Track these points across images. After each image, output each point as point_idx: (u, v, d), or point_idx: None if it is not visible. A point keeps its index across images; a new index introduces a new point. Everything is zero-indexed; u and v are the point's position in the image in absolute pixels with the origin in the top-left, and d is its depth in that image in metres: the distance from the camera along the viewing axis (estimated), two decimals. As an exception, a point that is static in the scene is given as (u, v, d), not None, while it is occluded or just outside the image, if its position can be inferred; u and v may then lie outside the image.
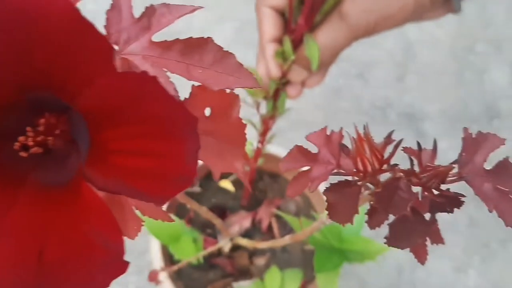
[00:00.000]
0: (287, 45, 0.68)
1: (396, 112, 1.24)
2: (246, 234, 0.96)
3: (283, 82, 0.74)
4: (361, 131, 0.35)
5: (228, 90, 0.34)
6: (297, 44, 0.69)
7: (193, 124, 0.20)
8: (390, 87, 1.27)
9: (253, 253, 0.95)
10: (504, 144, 0.36)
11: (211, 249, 0.74)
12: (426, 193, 0.33)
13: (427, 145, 0.39)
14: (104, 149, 0.22)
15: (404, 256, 1.17)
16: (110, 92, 0.21)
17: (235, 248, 0.93)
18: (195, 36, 0.34)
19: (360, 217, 0.40)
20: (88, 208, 0.22)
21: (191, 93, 0.37)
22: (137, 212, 0.35)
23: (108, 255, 0.21)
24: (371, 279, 1.14)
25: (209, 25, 1.23)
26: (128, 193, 0.21)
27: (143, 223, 0.36)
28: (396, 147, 0.33)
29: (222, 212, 0.96)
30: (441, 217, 0.38)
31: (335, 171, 0.35)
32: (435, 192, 0.33)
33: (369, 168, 0.34)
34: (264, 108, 0.81)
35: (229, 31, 1.31)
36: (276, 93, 0.76)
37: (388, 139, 0.34)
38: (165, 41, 0.29)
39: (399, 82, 1.27)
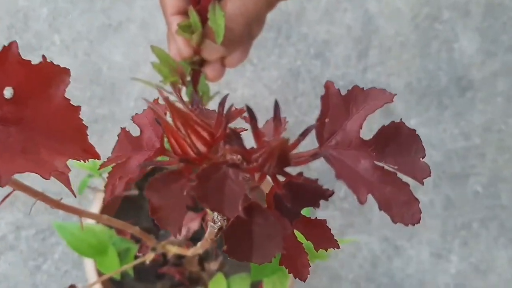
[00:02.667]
0: (193, 16, 0.58)
1: (359, 91, 1.15)
2: (196, 236, 0.87)
3: (199, 62, 0.64)
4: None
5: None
6: (205, 15, 0.59)
7: None
8: (352, 64, 1.18)
9: (204, 258, 0.86)
10: (392, 101, 0.27)
11: (137, 261, 0.65)
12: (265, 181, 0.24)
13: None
14: None
15: (379, 246, 1.08)
16: None
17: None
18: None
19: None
20: None
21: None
22: None
23: None
24: (345, 272, 1.06)
25: (151, 14, 1.14)
26: None
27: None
28: (226, 119, 0.24)
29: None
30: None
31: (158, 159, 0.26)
32: (282, 179, 0.23)
33: (191, 152, 0.24)
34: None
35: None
36: (195, 76, 0.67)
37: (221, 110, 0.25)
38: None
39: (361, 58, 1.18)
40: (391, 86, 1.15)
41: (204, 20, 0.58)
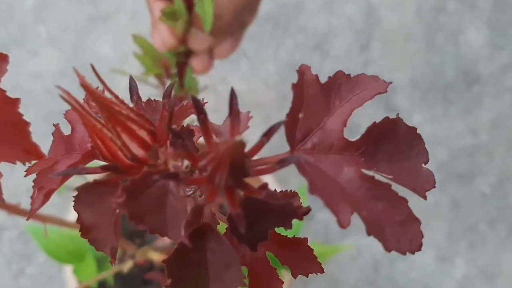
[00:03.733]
0: (178, 2, 0.53)
1: (361, 86, 1.09)
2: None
3: (185, 53, 0.59)
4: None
5: None
6: (191, 1, 0.54)
7: None
8: (352, 58, 1.12)
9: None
10: (386, 91, 0.21)
11: (115, 269, 0.60)
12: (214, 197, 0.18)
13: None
14: None
15: (381, 249, 1.02)
16: None
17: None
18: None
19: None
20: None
21: None
22: None
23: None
24: (344, 277, 1.00)
25: (141, 3, 1.08)
26: None
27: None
28: (170, 114, 0.19)
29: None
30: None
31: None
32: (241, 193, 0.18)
33: (123, 157, 0.19)
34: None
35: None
36: (181, 68, 0.62)
37: (165, 103, 0.20)
38: None
39: (363, 51, 1.12)
40: (394, 80, 1.10)
41: (190, 6, 0.54)
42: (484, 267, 1.02)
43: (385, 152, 0.22)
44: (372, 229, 0.20)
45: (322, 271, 0.26)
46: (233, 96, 0.20)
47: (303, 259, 0.26)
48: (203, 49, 0.57)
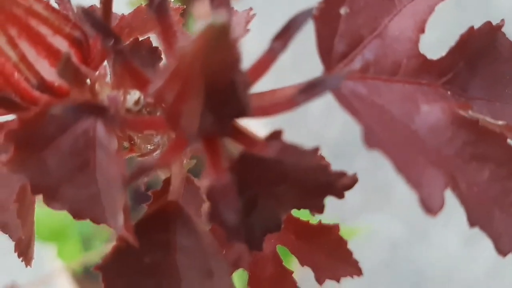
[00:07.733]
0: None
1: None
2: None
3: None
4: None
5: None
6: None
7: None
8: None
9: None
10: None
11: (98, 253, 0.52)
12: None
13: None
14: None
15: (400, 228, 0.94)
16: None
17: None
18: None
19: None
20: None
21: None
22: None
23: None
24: (358, 259, 0.92)
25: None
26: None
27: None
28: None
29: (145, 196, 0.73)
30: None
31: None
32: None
33: (23, 82, 0.11)
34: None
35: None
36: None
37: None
38: None
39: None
40: (421, 41, 1.01)
41: None
42: (514, 251, 0.94)
43: (482, 84, 0.13)
44: (475, 215, 0.11)
45: (360, 273, 0.18)
46: None
47: (333, 256, 0.17)
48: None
